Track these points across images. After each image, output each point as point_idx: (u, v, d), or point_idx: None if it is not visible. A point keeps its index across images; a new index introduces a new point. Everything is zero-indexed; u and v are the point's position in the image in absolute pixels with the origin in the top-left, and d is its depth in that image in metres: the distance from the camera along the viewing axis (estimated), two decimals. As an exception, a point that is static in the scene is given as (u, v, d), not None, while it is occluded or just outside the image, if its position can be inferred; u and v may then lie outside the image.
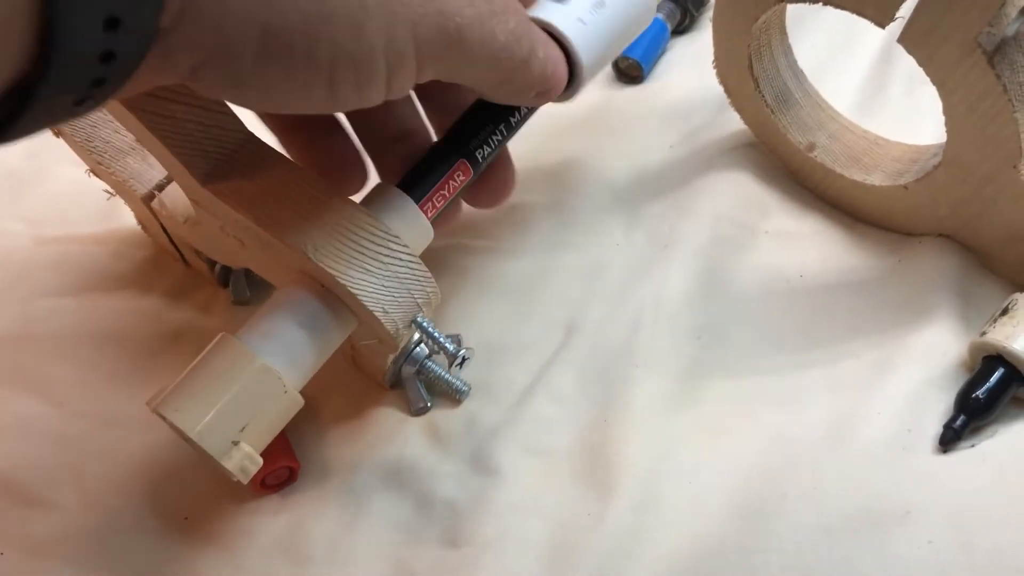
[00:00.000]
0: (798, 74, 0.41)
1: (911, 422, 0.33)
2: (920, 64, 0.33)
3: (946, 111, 0.33)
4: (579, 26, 0.33)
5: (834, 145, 0.41)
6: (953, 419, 0.33)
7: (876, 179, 0.39)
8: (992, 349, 0.33)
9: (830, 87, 0.42)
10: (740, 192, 0.42)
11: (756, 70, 0.40)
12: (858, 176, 0.39)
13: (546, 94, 0.31)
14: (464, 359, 0.34)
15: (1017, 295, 0.34)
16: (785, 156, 0.42)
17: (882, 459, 0.32)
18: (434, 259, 0.40)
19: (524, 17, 0.29)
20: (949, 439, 0.32)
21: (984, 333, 0.33)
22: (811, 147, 0.40)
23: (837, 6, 0.33)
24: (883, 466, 0.32)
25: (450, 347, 0.33)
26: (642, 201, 0.43)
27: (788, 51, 0.41)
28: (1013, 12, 0.30)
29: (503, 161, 0.37)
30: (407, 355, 0.35)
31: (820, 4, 0.34)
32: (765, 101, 0.40)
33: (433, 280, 0.31)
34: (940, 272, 0.37)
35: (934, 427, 0.33)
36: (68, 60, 0.19)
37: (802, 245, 0.40)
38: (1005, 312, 0.33)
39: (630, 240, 0.41)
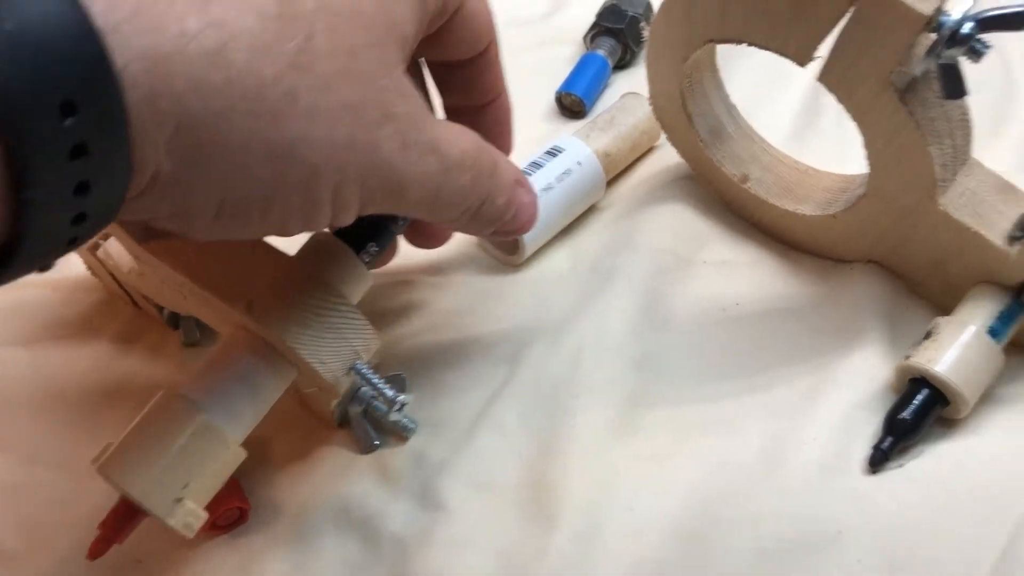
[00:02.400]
0: (730, 108, 0.43)
1: (842, 445, 0.34)
2: (840, 101, 0.34)
3: (866, 145, 0.35)
4: None
5: (767, 176, 0.42)
6: (881, 440, 0.34)
7: (807, 209, 0.40)
8: (916, 372, 0.34)
9: (764, 119, 0.44)
10: (679, 224, 0.43)
11: (689, 106, 0.41)
12: (790, 206, 0.40)
13: (506, 234, 0.33)
14: (402, 405, 0.35)
15: (939, 319, 0.35)
16: (720, 188, 0.43)
17: (814, 482, 0.33)
18: (380, 295, 0.41)
19: (484, 167, 0.30)
20: (878, 460, 0.33)
21: (909, 356, 0.35)
22: (744, 179, 0.42)
23: (760, 46, 0.35)
24: (815, 489, 0.33)
25: (389, 393, 0.33)
26: (585, 234, 0.44)
27: (720, 87, 0.42)
28: (922, 52, 0.31)
29: None
30: (353, 395, 0.36)
31: (745, 44, 0.35)
32: (699, 136, 0.42)
33: (371, 327, 0.32)
34: (869, 298, 0.39)
35: (864, 449, 0.34)
36: (40, 234, 0.20)
37: (739, 274, 0.41)
38: (928, 336, 0.35)
39: (574, 273, 0.42)
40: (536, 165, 0.43)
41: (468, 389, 0.38)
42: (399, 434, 0.37)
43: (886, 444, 0.34)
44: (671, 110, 0.42)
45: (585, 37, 0.54)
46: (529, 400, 0.37)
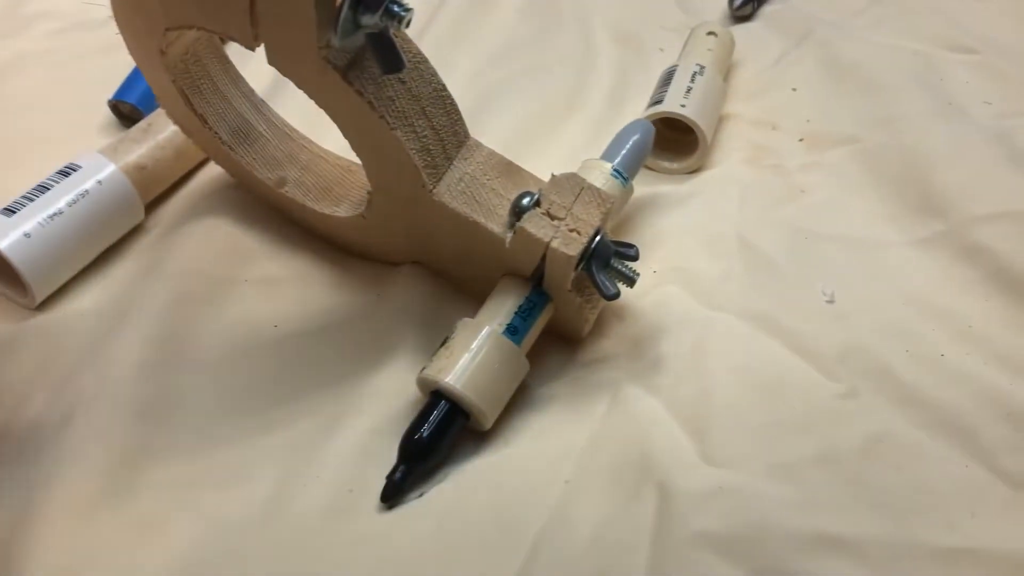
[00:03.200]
0: (259, 105, 0.38)
1: (353, 481, 0.30)
2: (298, 86, 0.29)
3: (343, 133, 0.30)
4: (22, 240, 0.35)
5: (306, 177, 0.37)
6: (394, 469, 0.30)
7: (343, 210, 0.36)
8: (431, 384, 0.30)
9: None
10: (220, 240, 0.38)
11: (199, 105, 0.35)
12: (327, 208, 0.36)
13: None
14: None
15: (458, 322, 0.31)
16: (261, 193, 0.38)
17: (316, 530, 0.29)
18: None
19: None
20: (391, 493, 0.29)
21: (424, 368, 0.30)
22: (281, 182, 0.37)
23: (207, 30, 0.30)
24: (316, 537, 0.28)
25: None
26: (119, 262, 0.38)
27: (238, 81, 0.37)
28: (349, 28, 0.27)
29: None
30: None
31: (196, 28, 0.30)
32: (220, 138, 0.36)
33: None
34: (409, 303, 0.35)
35: (380, 481, 0.30)
36: None
37: (285, 291, 0.36)
38: (444, 343, 0.31)
39: (94, 311, 0.36)
40: (43, 188, 0.36)
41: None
42: None
43: (399, 474, 0.29)
44: (179, 112, 0.36)
45: (150, 36, 0.48)
46: (8, 472, 0.31)
